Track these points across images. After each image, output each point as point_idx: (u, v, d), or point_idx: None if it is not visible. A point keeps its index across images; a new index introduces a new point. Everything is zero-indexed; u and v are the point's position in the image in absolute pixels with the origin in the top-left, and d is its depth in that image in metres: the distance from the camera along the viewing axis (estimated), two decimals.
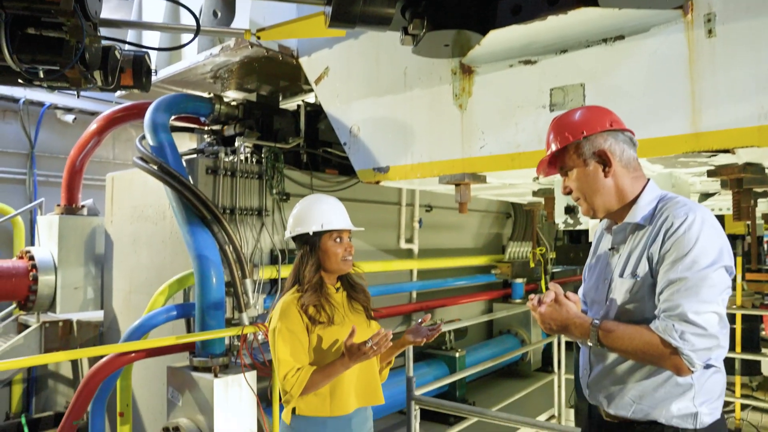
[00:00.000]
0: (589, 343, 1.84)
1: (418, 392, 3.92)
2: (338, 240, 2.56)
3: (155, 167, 4.25)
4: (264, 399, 4.21)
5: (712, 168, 3.43)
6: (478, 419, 4.13)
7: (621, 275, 1.90)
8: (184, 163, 4.47)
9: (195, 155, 4.73)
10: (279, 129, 5.22)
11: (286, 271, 4.70)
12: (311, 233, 2.55)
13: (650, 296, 1.81)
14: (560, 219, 4.19)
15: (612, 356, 1.91)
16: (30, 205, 7.69)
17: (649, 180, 1.98)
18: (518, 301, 7.86)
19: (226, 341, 4.07)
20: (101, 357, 4.05)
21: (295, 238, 2.62)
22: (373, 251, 6.04)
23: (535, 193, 4.99)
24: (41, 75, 2.64)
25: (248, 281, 4.24)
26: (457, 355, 5.88)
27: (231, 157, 4.66)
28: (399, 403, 5.21)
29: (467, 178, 3.68)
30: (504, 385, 6.75)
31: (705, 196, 4.87)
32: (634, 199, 1.93)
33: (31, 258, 6.03)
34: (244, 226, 4.66)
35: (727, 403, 6.18)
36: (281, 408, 2.59)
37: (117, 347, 3.77)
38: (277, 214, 4.91)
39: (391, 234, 6.29)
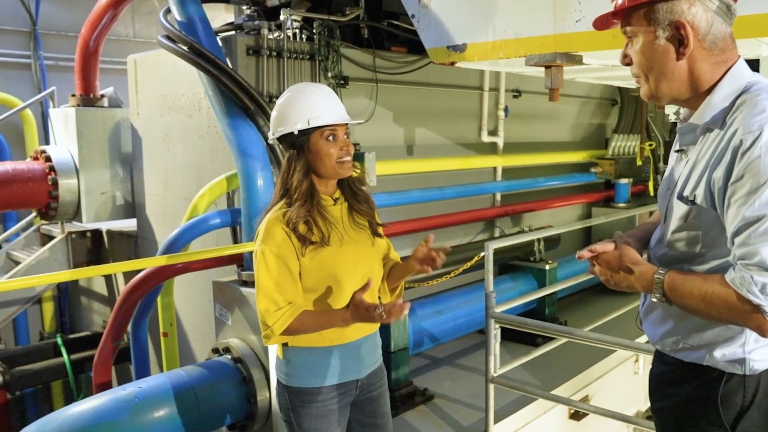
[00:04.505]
0: (654, 299, 1.88)
1: (499, 309, 4.13)
2: (331, 138, 2.53)
3: (185, 48, 4.34)
4: None
5: None
6: (567, 340, 4.34)
7: (679, 196, 1.90)
8: (220, 43, 4.58)
9: (232, 32, 4.83)
10: None
11: None
12: (296, 132, 2.51)
13: (709, 228, 1.83)
14: (671, 108, 4.13)
15: None
16: (40, 96, 7.89)
17: (735, 63, 1.85)
18: (622, 205, 7.93)
19: None
20: (138, 272, 4.40)
21: (280, 140, 2.60)
22: (450, 145, 6.14)
23: None
24: None
25: None
26: (548, 267, 6.04)
27: (276, 34, 4.74)
28: (478, 322, 5.53)
29: (559, 58, 3.69)
30: (600, 303, 6.91)
31: None
32: (710, 87, 1.84)
33: (48, 159, 6.33)
34: None
35: None
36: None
37: (155, 260, 4.10)
38: None
39: (472, 125, 6.34)
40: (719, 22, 1.79)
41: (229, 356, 4.06)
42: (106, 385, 4.75)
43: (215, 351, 4.19)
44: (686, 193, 1.87)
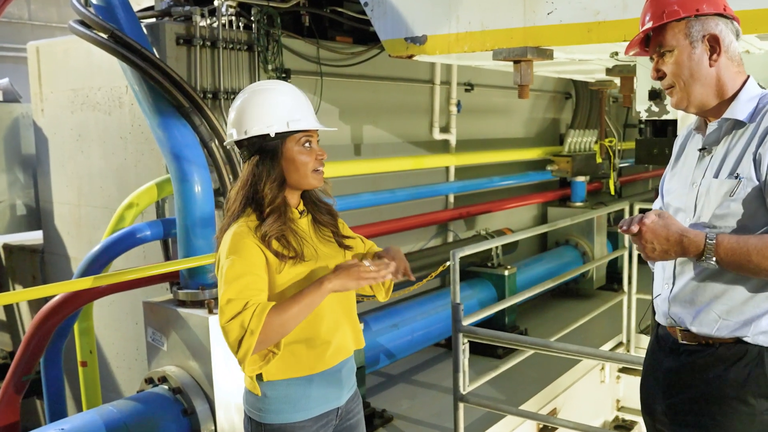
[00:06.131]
0: (705, 263, 2.14)
1: (465, 322, 4.18)
2: (307, 144, 2.48)
3: (104, 36, 4.18)
4: None
5: None
6: (534, 351, 4.45)
7: (716, 176, 2.26)
8: (145, 30, 4.44)
9: (158, 18, 4.71)
10: None
11: None
12: (273, 134, 2.42)
13: (754, 200, 2.17)
14: (642, 106, 4.37)
15: (698, 268, 2.26)
16: None
17: (749, 76, 2.32)
18: (579, 204, 8.18)
19: None
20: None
21: (241, 143, 2.50)
22: (400, 144, 6.19)
23: (609, 71, 5.12)
24: None
25: None
26: (506, 273, 6.15)
27: (209, 21, 4.66)
28: (436, 335, 5.58)
29: (530, 53, 3.78)
30: (561, 308, 7.23)
31: None
32: (732, 95, 2.29)
33: None
34: None
35: None
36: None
37: (77, 283, 3.85)
38: None
39: (422, 121, 6.40)
40: (735, 40, 2.30)
41: (167, 386, 3.94)
42: (13, 428, 4.51)
43: (149, 381, 4.06)
44: (726, 172, 2.23)
